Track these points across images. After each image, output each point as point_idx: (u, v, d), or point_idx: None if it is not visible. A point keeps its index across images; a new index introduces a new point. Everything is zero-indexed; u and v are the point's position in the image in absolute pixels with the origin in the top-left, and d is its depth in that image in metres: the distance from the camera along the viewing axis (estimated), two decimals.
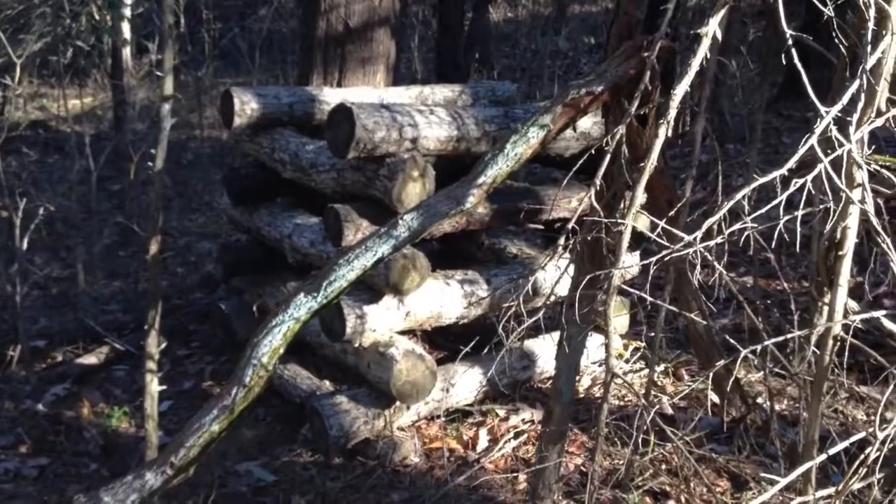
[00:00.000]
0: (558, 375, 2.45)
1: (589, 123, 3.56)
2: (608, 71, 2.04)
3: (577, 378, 3.74)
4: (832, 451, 1.49)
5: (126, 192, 6.63)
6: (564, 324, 2.28)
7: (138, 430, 3.73)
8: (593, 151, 2.11)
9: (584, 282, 2.15)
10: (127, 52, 12.72)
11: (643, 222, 2.79)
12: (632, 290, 1.95)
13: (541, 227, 3.83)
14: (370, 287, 3.18)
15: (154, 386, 2.71)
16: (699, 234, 1.53)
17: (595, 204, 2.02)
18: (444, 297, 3.37)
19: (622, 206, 2.06)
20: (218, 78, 12.01)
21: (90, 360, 4.20)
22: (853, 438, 1.51)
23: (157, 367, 4.29)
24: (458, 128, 3.24)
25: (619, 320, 3.85)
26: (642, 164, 1.79)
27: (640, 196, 1.81)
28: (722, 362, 1.78)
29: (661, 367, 3.77)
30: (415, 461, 3.27)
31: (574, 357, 2.40)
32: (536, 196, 3.54)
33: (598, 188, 2.00)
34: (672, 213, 2.09)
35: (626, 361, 3.89)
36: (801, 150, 1.40)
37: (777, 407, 2.83)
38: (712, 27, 1.70)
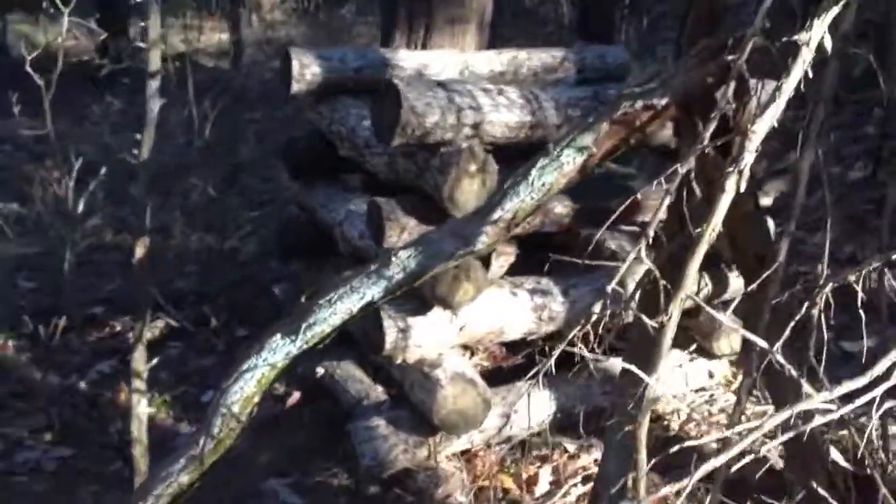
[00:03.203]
0: (606, 459, 1.90)
1: None
2: (677, 76, 1.45)
3: (672, 411, 3.18)
4: None
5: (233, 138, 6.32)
6: (613, 412, 1.72)
7: (175, 423, 3.43)
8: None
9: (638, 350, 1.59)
10: None
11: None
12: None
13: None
14: (417, 295, 2.69)
15: (142, 407, 2.33)
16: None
17: (647, 261, 1.45)
18: (508, 309, 2.85)
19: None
20: (359, 16, 11.63)
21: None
22: None
23: (212, 346, 4.02)
24: (533, 112, 2.68)
25: (729, 341, 3.22)
26: (699, 231, 1.21)
27: (693, 279, 1.24)
28: None
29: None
30: (460, 501, 2.79)
31: (622, 457, 1.81)
32: (629, 193, 2.92)
33: (648, 240, 1.43)
34: (767, 273, 1.49)
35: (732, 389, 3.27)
36: None
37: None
38: (816, 34, 1.09)
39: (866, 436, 1.54)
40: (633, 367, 1.30)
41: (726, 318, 1.85)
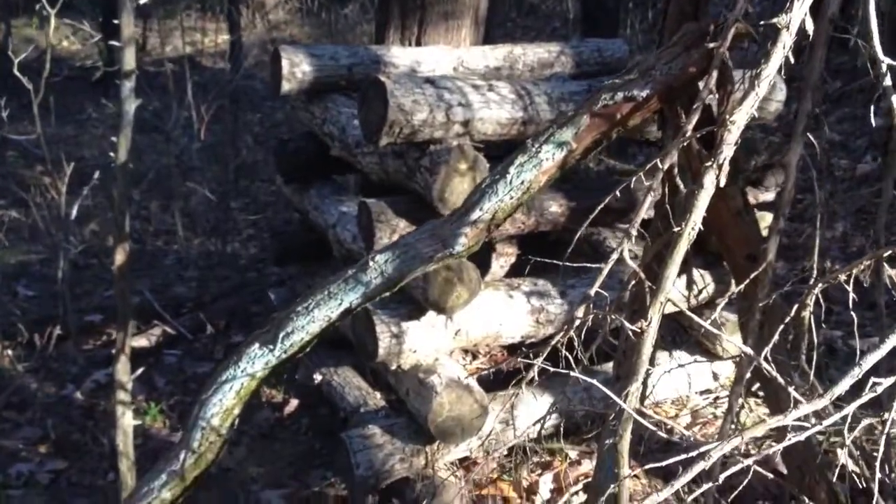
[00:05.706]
0: (598, 468, 1.83)
1: None
2: (657, 66, 1.37)
3: (675, 415, 3.10)
4: None
5: (230, 139, 6.25)
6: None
7: (172, 432, 3.36)
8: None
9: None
10: None
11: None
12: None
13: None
14: (411, 298, 2.62)
15: (127, 419, 2.26)
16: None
17: (630, 261, 1.37)
18: (505, 313, 2.77)
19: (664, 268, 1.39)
20: (363, 15, 11.57)
21: (140, 342, 3.84)
22: None
23: (210, 353, 3.95)
24: (525, 108, 2.60)
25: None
26: (678, 230, 1.13)
27: (671, 282, 1.16)
28: None
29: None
30: None
31: (612, 467, 1.74)
32: (627, 189, 2.84)
33: (631, 239, 1.35)
34: (755, 274, 1.41)
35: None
36: None
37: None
38: (796, 17, 1.01)
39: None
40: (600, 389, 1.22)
41: (717, 317, 1.78)
